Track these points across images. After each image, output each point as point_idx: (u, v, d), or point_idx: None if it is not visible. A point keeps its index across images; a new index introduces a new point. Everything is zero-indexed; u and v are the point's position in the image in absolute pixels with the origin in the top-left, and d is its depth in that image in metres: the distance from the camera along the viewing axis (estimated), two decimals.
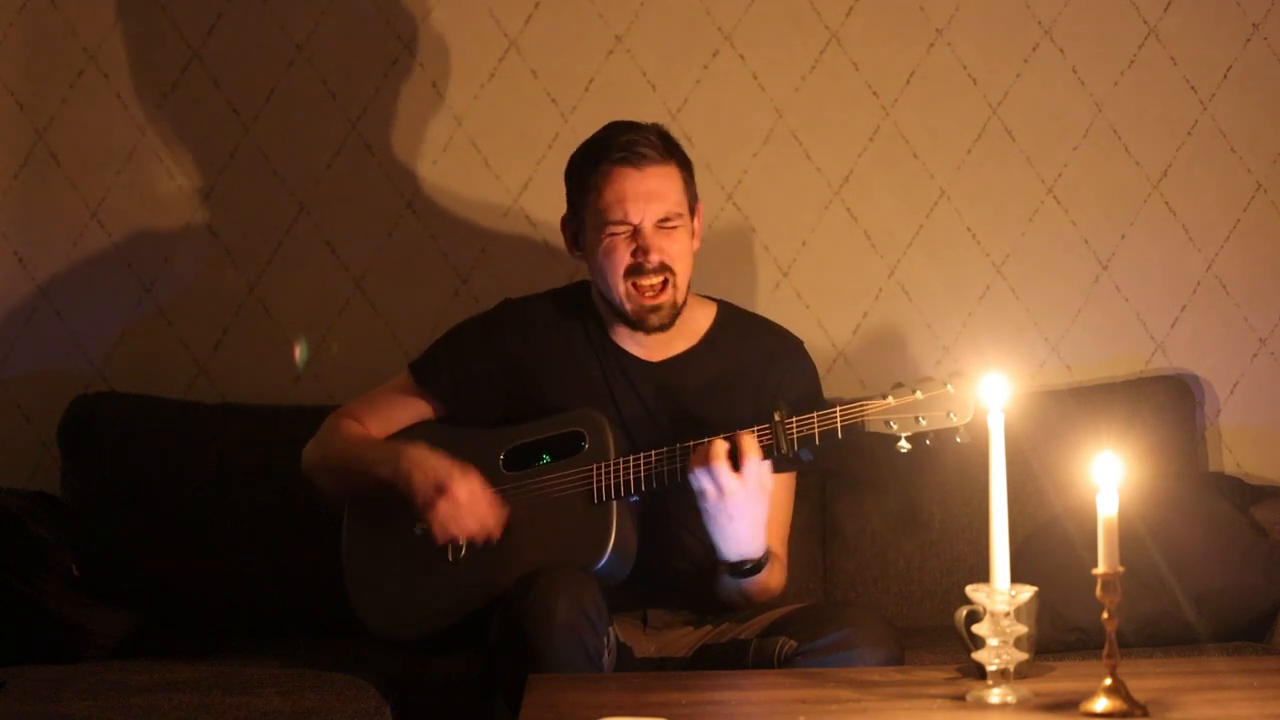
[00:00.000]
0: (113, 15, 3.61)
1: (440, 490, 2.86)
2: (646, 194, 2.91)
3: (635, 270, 2.92)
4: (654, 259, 2.91)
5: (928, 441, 2.75)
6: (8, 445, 3.61)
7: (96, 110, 3.62)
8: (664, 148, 2.94)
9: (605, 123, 3.02)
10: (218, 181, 3.63)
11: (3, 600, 3.09)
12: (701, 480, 2.76)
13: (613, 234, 2.92)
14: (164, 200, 3.63)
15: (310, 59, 3.62)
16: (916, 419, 2.74)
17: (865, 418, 2.76)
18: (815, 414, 2.78)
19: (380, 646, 2.99)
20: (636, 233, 2.91)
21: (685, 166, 2.97)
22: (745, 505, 2.78)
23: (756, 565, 2.85)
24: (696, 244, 3.00)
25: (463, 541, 2.87)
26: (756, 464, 2.76)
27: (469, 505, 2.86)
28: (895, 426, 2.75)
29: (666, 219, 2.92)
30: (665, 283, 2.92)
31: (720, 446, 2.75)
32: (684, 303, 2.97)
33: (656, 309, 2.94)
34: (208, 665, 3.00)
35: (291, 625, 3.36)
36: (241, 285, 3.63)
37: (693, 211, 2.98)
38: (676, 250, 2.93)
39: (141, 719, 2.68)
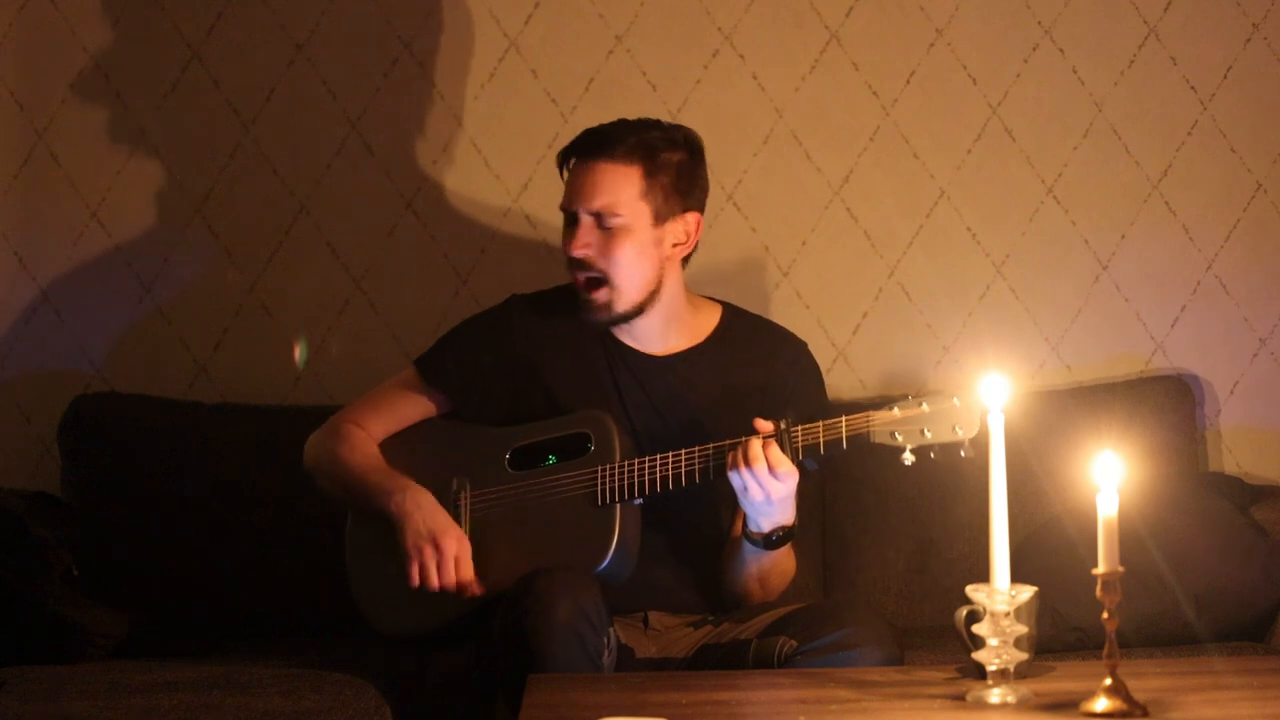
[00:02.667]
0: (113, 15, 3.61)
1: (432, 539, 2.86)
2: (585, 184, 2.91)
3: (570, 265, 2.94)
4: (571, 250, 2.91)
5: (932, 455, 2.74)
6: (8, 445, 3.60)
7: (96, 110, 3.62)
8: (634, 147, 2.91)
9: (605, 122, 3.02)
10: (218, 181, 3.63)
11: (3, 600, 3.08)
12: (744, 479, 2.76)
13: (566, 224, 2.95)
14: (164, 200, 3.63)
15: (310, 59, 3.62)
16: (922, 432, 2.73)
17: (870, 429, 2.75)
18: (821, 424, 2.77)
19: (381, 643, 2.98)
20: (574, 221, 2.93)
21: (656, 171, 2.92)
22: (783, 490, 2.79)
23: (789, 532, 2.86)
24: (680, 251, 2.97)
25: (435, 588, 2.86)
26: (789, 466, 2.77)
27: (449, 563, 2.86)
28: (900, 439, 2.74)
29: (600, 213, 2.90)
30: (597, 284, 2.92)
31: (758, 448, 2.75)
32: (633, 310, 2.95)
33: (588, 302, 2.94)
34: (208, 665, 2.99)
35: (291, 625, 3.36)
36: (241, 285, 3.63)
37: (661, 217, 2.93)
38: (611, 253, 2.91)
39: (141, 719, 2.68)
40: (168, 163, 3.63)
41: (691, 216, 2.97)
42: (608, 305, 2.94)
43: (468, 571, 2.87)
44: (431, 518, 2.89)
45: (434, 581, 2.85)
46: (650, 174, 2.91)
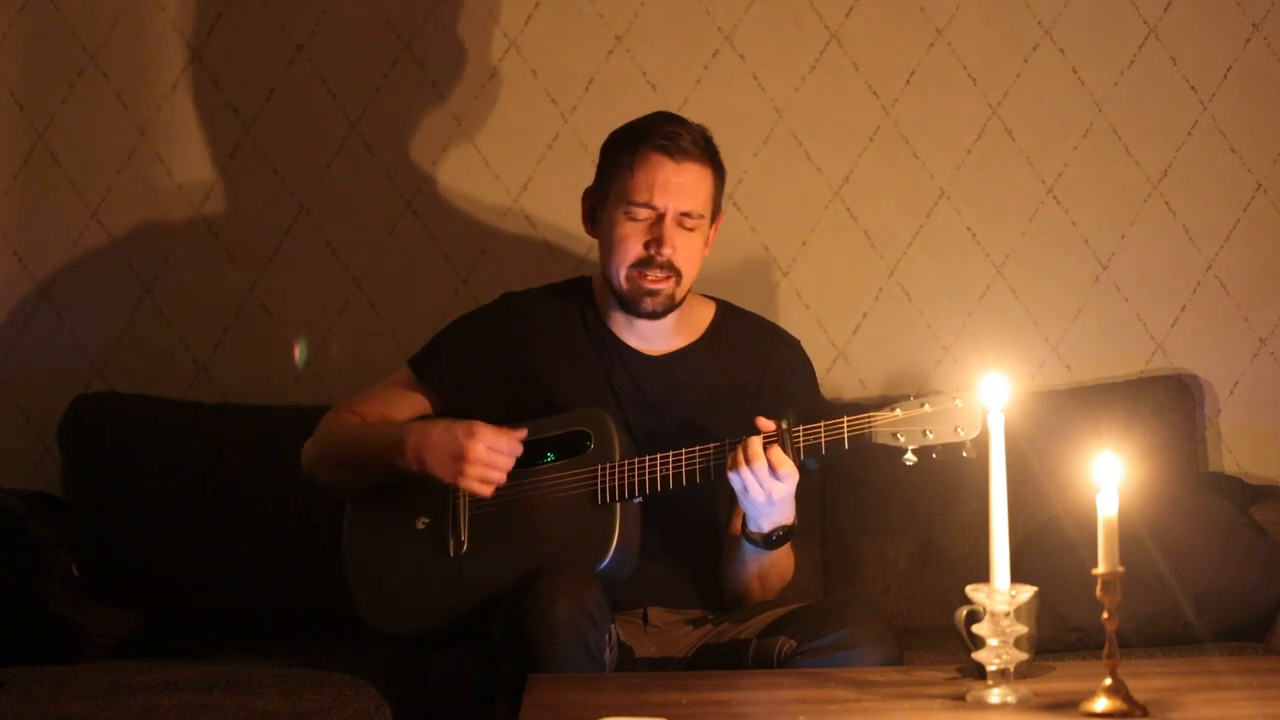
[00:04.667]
0: (113, 15, 3.61)
1: (459, 458, 2.86)
2: (678, 186, 2.92)
3: (644, 263, 2.93)
4: (665, 254, 2.91)
5: (934, 455, 2.74)
6: (8, 445, 3.60)
7: (96, 110, 3.62)
8: (705, 149, 2.95)
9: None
10: (218, 181, 3.63)
11: (3, 600, 3.09)
12: (745, 479, 2.76)
13: (634, 216, 2.93)
14: (164, 200, 3.63)
15: (310, 59, 3.62)
16: (924, 433, 2.73)
17: (872, 429, 2.75)
18: (823, 424, 2.78)
19: (381, 643, 2.98)
20: (657, 221, 2.92)
21: (719, 173, 2.98)
22: (784, 490, 2.79)
23: (788, 532, 2.86)
24: (707, 251, 3.00)
25: (489, 493, 2.87)
26: (790, 466, 2.77)
27: (491, 456, 2.86)
28: (902, 439, 2.74)
29: (689, 214, 2.92)
30: (670, 279, 2.93)
31: (758, 448, 2.75)
32: (682, 300, 2.97)
33: (654, 293, 2.94)
34: (208, 665, 2.99)
35: (291, 625, 3.36)
36: (241, 285, 3.63)
37: (713, 219, 2.99)
38: (689, 251, 2.94)
39: (141, 719, 2.68)
40: (168, 163, 3.63)
41: (721, 216, 3.02)
42: (672, 296, 2.95)
43: (506, 448, 2.87)
44: (441, 444, 2.88)
45: (499, 481, 2.86)
46: (719, 178, 2.98)
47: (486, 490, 2.87)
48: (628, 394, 2.99)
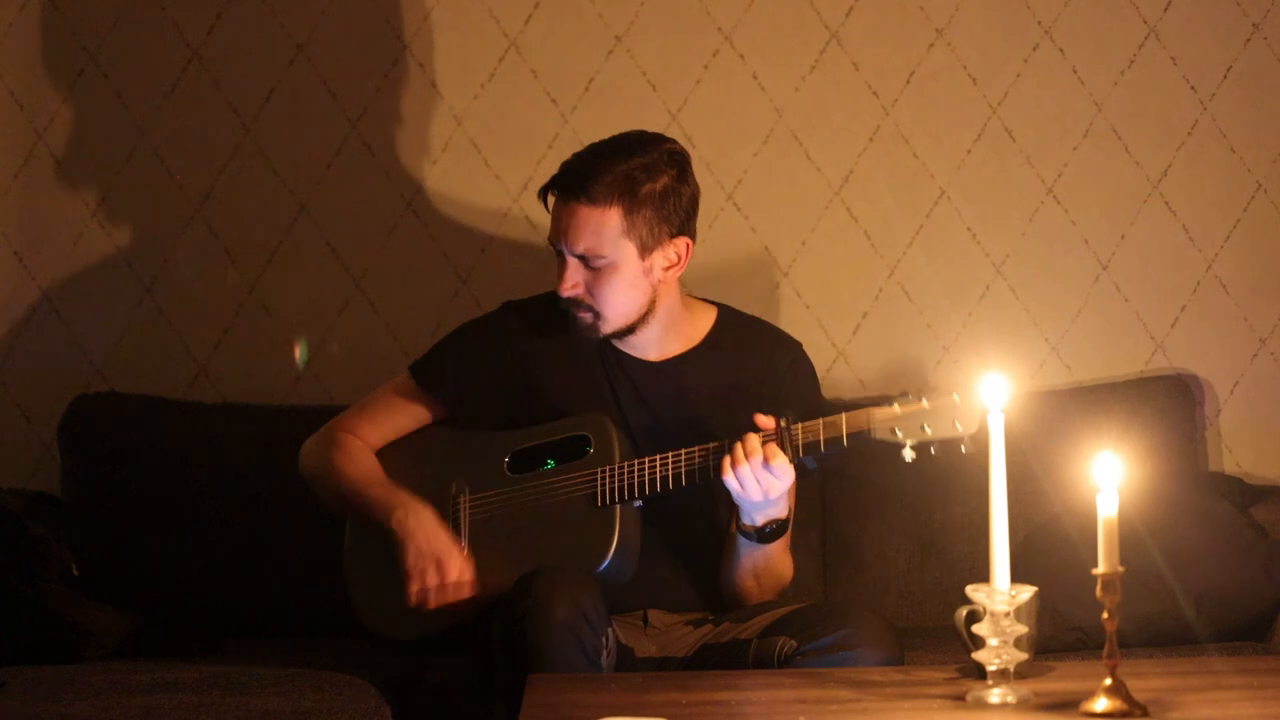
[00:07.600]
0: (113, 15, 3.61)
1: (435, 561, 2.87)
2: (569, 227, 2.90)
3: (558, 298, 2.94)
4: (564, 289, 2.91)
5: (933, 451, 2.73)
6: (8, 445, 3.60)
7: (96, 110, 3.62)
8: (609, 185, 2.86)
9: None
10: (218, 181, 3.63)
11: (3, 600, 3.09)
12: (742, 476, 2.76)
13: (554, 250, 2.94)
14: (164, 200, 3.63)
15: (310, 59, 3.62)
16: (922, 428, 2.73)
17: (871, 426, 2.75)
18: (821, 421, 2.77)
19: (380, 646, 2.98)
20: (562, 258, 2.92)
21: (637, 207, 2.88)
22: (780, 487, 2.79)
23: (781, 525, 2.86)
24: (672, 273, 2.94)
25: (432, 609, 2.88)
26: (784, 462, 2.77)
27: (455, 588, 2.88)
28: (901, 435, 2.74)
29: (585, 256, 2.89)
30: (586, 313, 2.92)
31: (755, 444, 2.75)
32: (628, 329, 2.95)
33: (576, 322, 2.94)
34: (208, 665, 3.00)
35: (291, 625, 3.36)
36: (241, 285, 3.63)
37: (648, 249, 2.90)
38: (600, 289, 2.90)
39: (141, 719, 2.68)
40: (168, 163, 3.63)
41: (680, 241, 2.93)
42: (593, 327, 2.94)
43: (468, 594, 2.88)
44: (435, 538, 2.89)
45: (432, 604, 2.87)
46: (631, 211, 2.88)
47: (422, 598, 2.87)
48: (628, 401, 2.99)
